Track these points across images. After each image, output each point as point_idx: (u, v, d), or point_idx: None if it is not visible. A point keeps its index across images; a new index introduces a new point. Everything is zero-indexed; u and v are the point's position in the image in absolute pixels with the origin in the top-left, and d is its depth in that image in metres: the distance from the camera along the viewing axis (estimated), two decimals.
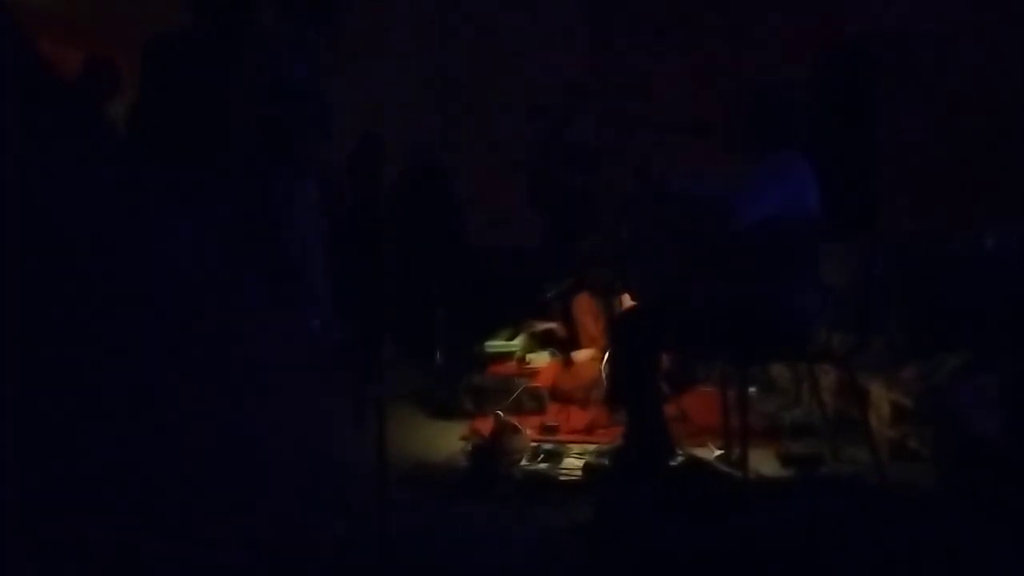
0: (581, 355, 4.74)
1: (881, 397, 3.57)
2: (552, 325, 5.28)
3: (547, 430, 3.90)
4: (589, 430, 3.88)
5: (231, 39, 2.72)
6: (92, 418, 1.65)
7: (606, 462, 3.27)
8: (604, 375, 4.04)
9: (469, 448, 3.52)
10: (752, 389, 4.16)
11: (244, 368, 1.97)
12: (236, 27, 2.73)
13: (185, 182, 2.41)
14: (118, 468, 1.67)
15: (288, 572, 2.00)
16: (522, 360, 5.05)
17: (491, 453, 3.33)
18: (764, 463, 3.38)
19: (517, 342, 5.27)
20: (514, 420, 3.61)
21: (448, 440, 3.84)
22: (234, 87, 2.69)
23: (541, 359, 5.02)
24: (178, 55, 2.86)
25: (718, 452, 3.46)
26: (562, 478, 3.24)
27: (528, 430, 3.67)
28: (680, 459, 3.27)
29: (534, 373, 4.75)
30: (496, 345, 5.27)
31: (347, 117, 5.47)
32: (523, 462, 3.35)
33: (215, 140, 2.68)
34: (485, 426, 3.71)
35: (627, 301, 4.34)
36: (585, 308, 4.91)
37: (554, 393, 4.44)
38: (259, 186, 2.68)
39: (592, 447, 3.56)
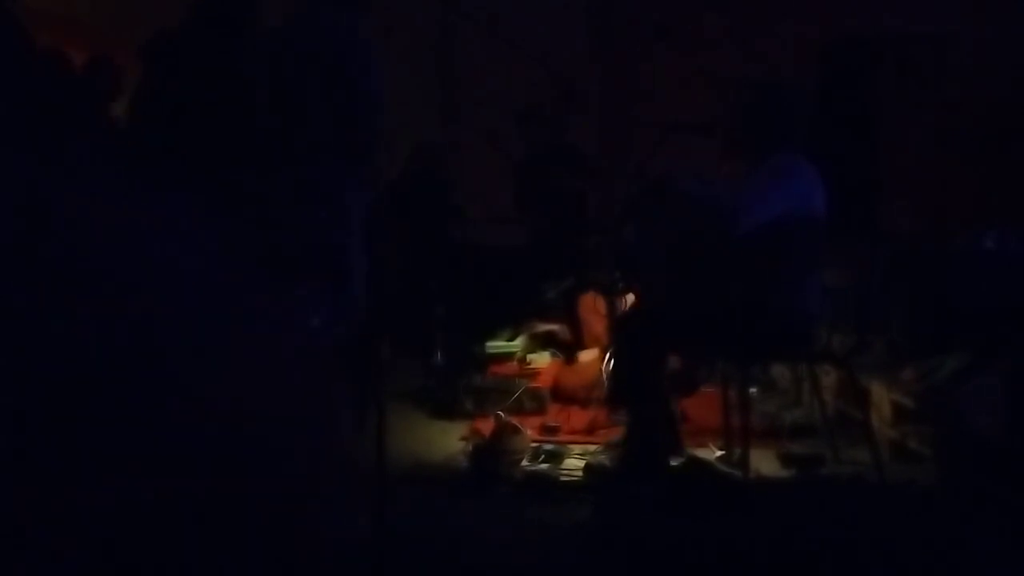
0: (586, 355, 4.74)
1: (882, 397, 3.57)
2: (553, 326, 5.28)
3: (548, 431, 3.89)
4: (590, 431, 3.88)
5: (235, 37, 2.71)
6: (92, 416, 1.65)
7: (607, 463, 3.27)
8: (605, 376, 4.03)
9: (469, 448, 3.51)
10: (753, 389, 4.15)
11: (244, 367, 1.97)
12: (242, 24, 2.73)
13: (182, 182, 2.41)
14: (118, 465, 1.67)
15: (287, 571, 2.00)
16: (523, 361, 5.04)
17: (491, 453, 3.33)
18: (765, 463, 3.38)
19: (518, 343, 5.26)
20: (515, 420, 3.61)
21: (448, 440, 3.84)
22: (220, 87, 2.68)
23: (542, 360, 5.01)
24: (178, 54, 2.86)
25: (719, 452, 3.45)
26: (563, 479, 3.24)
27: (529, 430, 3.66)
28: (681, 460, 3.27)
29: (535, 374, 4.75)
30: (497, 346, 5.26)
31: None
32: (524, 463, 3.35)
33: (218, 141, 2.67)
34: (486, 426, 3.70)
35: (630, 301, 4.34)
36: (591, 307, 4.91)
37: (555, 392, 4.43)
38: (252, 185, 2.66)
39: (593, 448, 3.55)
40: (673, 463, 3.20)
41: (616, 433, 3.56)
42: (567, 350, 5.01)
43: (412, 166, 6.17)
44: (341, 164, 2.62)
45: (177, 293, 1.87)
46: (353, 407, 3.31)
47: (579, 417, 4.09)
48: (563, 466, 3.36)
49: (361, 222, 2.77)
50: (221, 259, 2.06)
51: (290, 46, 2.67)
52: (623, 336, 3.37)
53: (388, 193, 5.99)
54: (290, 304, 2.48)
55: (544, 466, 3.34)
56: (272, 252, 2.45)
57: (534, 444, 3.55)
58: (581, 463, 3.33)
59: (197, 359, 1.83)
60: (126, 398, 1.67)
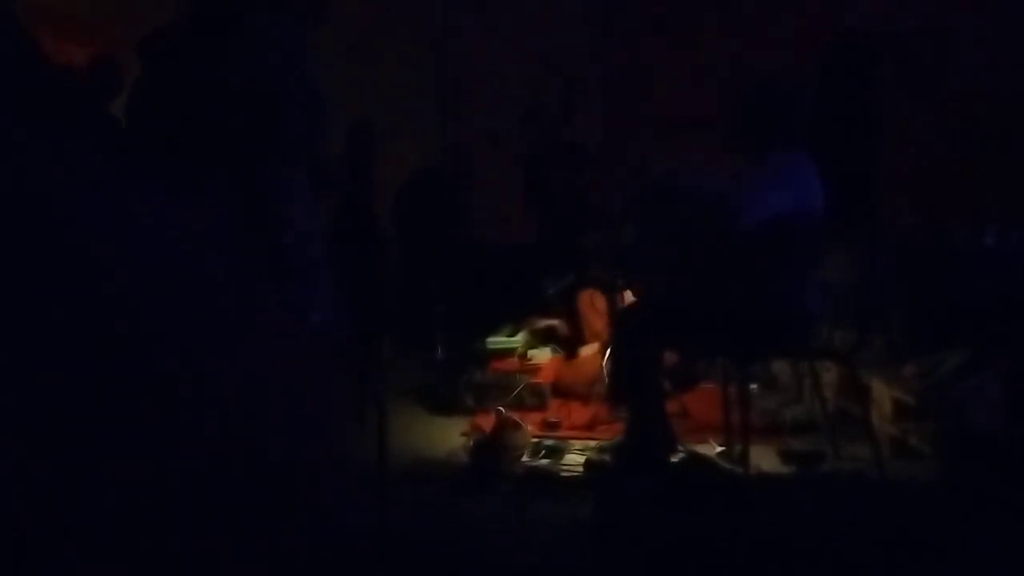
0: (586, 351, 4.75)
1: (882, 394, 3.58)
2: (553, 322, 5.28)
3: (548, 426, 3.90)
4: (591, 426, 3.88)
5: (224, 34, 2.71)
6: (92, 415, 1.65)
7: (607, 458, 3.28)
8: (605, 371, 4.04)
9: (470, 444, 3.52)
10: (753, 386, 4.15)
11: (245, 365, 1.97)
12: (228, 23, 2.73)
13: (184, 180, 2.41)
14: (118, 464, 1.67)
15: (288, 567, 2.00)
16: (523, 356, 5.04)
17: (492, 449, 3.33)
18: (765, 460, 3.38)
19: (518, 338, 5.27)
20: (515, 416, 3.61)
21: (449, 436, 3.84)
22: (223, 84, 2.69)
23: (542, 355, 5.02)
24: (171, 51, 2.86)
25: (719, 449, 3.45)
26: (563, 474, 3.24)
27: (529, 426, 3.67)
28: (681, 456, 3.27)
29: (535, 369, 4.75)
30: (497, 341, 5.26)
31: (347, 117, 5.49)
32: (524, 458, 3.35)
33: (209, 137, 2.68)
34: (486, 422, 3.71)
35: (630, 297, 4.34)
36: (591, 303, 4.91)
37: (556, 388, 4.44)
38: (253, 182, 2.67)
39: (593, 443, 3.56)
40: (673, 459, 3.20)
41: (616, 429, 3.57)
42: (567, 346, 5.01)
43: (411, 167, 6.19)
44: (275, 166, 2.66)
45: (170, 290, 1.87)
46: (354, 403, 3.32)
47: (579, 413, 4.09)
48: (564, 462, 3.36)
49: (313, 224, 2.79)
50: (209, 257, 2.06)
51: (236, 49, 2.70)
52: (623, 332, 3.37)
53: (391, 190, 6.02)
54: (280, 301, 2.48)
55: (545, 462, 3.35)
56: (247, 252, 2.46)
57: (535, 440, 3.56)
58: (581, 459, 3.33)
59: (192, 356, 1.84)
60: (122, 396, 1.67)
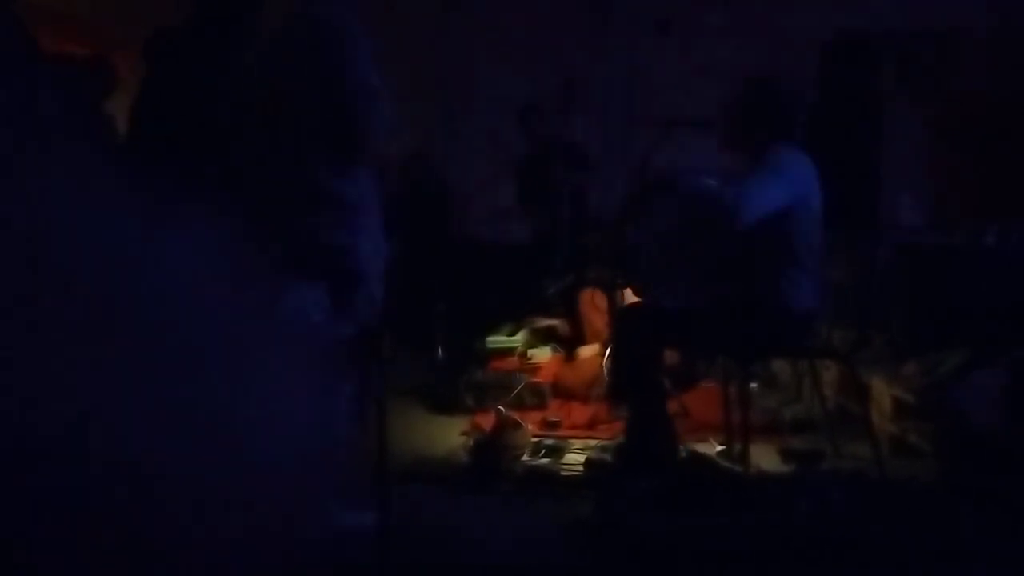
0: (585, 351, 4.75)
1: (882, 393, 3.58)
2: (554, 322, 5.28)
3: (548, 426, 3.90)
4: (591, 426, 3.88)
5: (227, 34, 2.70)
6: (92, 414, 1.65)
7: (608, 458, 3.28)
8: (605, 371, 4.04)
9: (470, 443, 3.52)
10: (753, 385, 4.16)
11: (245, 363, 1.97)
12: (230, 22, 2.72)
13: (186, 180, 2.41)
14: (116, 463, 1.67)
15: (287, 567, 2.00)
16: (523, 356, 5.04)
17: (492, 448, 3.33)
18: (765, 459, 3.38)
19: (518, 338, 5.27)
20: (515, 415, 3.61)
21: (449, 435, 3.84)
22: (237, 84, 2.67)
23: (542, 355, 5.02)
24: (175, 51, 2.85)
25: (719, 448, 3.46)
26: (563, 474, 3.25)
27: (529, 425, 3.67)
28: (681, 455, 3.27)
29: (535, 369, 4.75)
30: (497, 341, 5.26)
31: None
32: (524, 458, 3.35)
33: (222, 137, 2.66)
34: (486, 421, 3.71)
35: (630, 297, 4.34)
36: (591, 303, 4.91)
37: (556, 388, 4.44)
38: (303, 183, 2.61)
39: (594, 443, 3.56)
40: (673, 458, 3.21)
41: (616, 428, 3.57)
42: (567, 345, 5.01)
43: (410, 166, 6.19)
44: (337, 163, 2.60)
45: (175, 290, 1.87)
46: (354, 402, 3.31)
47: (579, 412, 4.09)
48: (563, 461, 3.36)
49: (375, 222, 2.75)
50: (223, 258, 2.06)
51: (278, 42, 2.66)
52: (623, 331, 3.38)
53: (388, 191, 6.01)
54: (293, 301, 2.48)
55: (545, 461, 3.35)
56: (275, 252, 2.43)
57: (535, 439, 3.56)
58: (581, 458, 3.34)
59: (196, 357, 1.84)
60: (121, 396, 1.67)
